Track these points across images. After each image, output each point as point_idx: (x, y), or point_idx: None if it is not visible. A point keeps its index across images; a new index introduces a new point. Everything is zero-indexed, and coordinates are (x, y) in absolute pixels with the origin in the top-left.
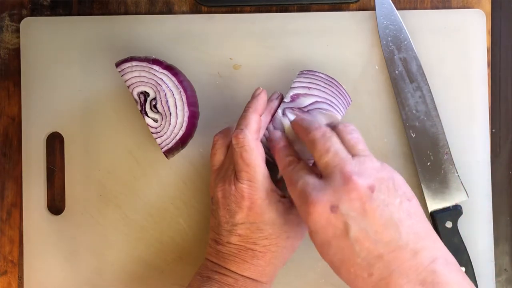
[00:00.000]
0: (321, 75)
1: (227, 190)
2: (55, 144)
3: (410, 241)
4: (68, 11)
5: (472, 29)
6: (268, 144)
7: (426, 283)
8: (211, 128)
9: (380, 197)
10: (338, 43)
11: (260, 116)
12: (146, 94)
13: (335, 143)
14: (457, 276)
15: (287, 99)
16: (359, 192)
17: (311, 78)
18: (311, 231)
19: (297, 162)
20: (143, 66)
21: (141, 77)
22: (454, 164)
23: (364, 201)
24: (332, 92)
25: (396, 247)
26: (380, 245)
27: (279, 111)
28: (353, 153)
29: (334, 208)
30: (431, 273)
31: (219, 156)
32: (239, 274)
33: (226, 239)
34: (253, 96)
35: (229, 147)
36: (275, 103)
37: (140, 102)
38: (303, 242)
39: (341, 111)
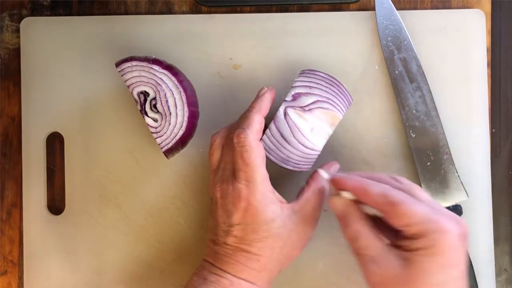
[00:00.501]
0: (322, 74)
1: (225, 190)
2: (55, 144)
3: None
4: (68, 11)
5: (472, 29)
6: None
7: None
8: (211, 128)
9: None
10: (338, 43)
11: (264, 116)
12: (146, 94)
13: (417, 201)
14: None
15: (288, 98)
16: (462, 243)
17: (312, 77)
18: None
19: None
20: (143, 66)
21: (141, 77)
22: (454, 164)
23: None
24: (333, 91)
25: None
26: None
27: (281, 110)
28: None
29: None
30: None
31: (216, 156)
32: (234, 276)
33: (223, 240)
34: (258, 96)
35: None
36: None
37: (140, 102)
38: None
39: (342, 111)
